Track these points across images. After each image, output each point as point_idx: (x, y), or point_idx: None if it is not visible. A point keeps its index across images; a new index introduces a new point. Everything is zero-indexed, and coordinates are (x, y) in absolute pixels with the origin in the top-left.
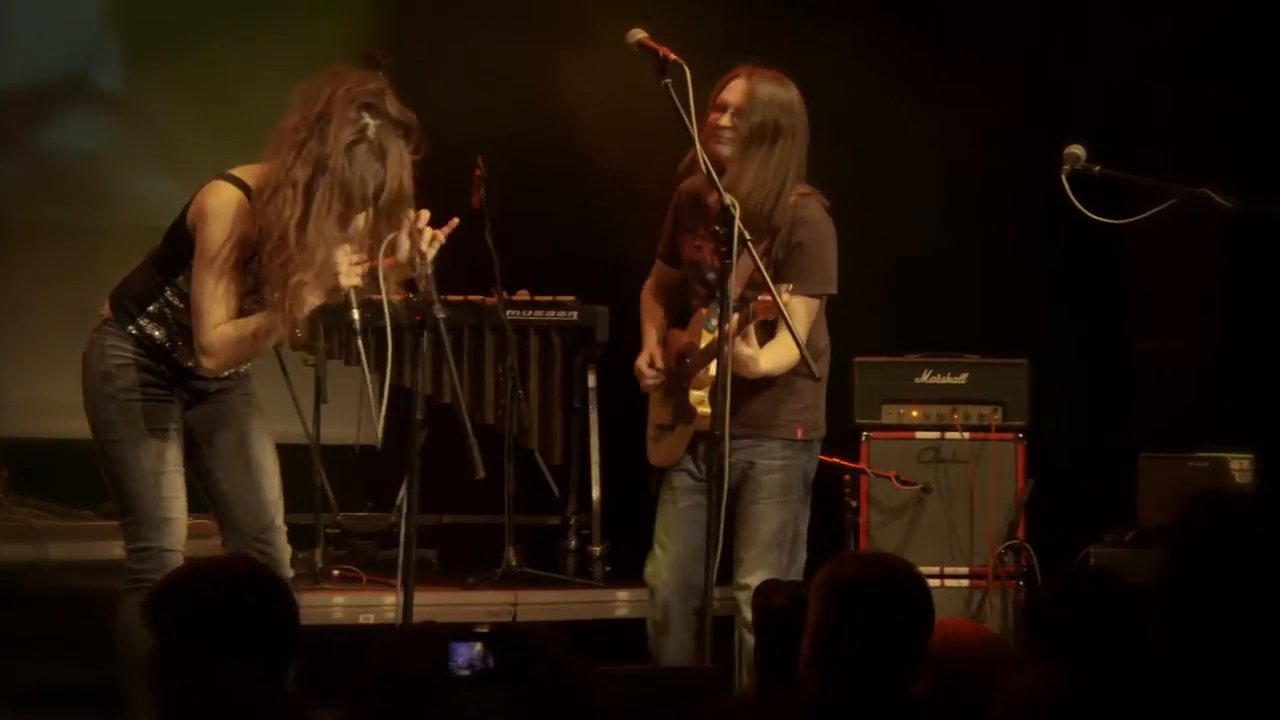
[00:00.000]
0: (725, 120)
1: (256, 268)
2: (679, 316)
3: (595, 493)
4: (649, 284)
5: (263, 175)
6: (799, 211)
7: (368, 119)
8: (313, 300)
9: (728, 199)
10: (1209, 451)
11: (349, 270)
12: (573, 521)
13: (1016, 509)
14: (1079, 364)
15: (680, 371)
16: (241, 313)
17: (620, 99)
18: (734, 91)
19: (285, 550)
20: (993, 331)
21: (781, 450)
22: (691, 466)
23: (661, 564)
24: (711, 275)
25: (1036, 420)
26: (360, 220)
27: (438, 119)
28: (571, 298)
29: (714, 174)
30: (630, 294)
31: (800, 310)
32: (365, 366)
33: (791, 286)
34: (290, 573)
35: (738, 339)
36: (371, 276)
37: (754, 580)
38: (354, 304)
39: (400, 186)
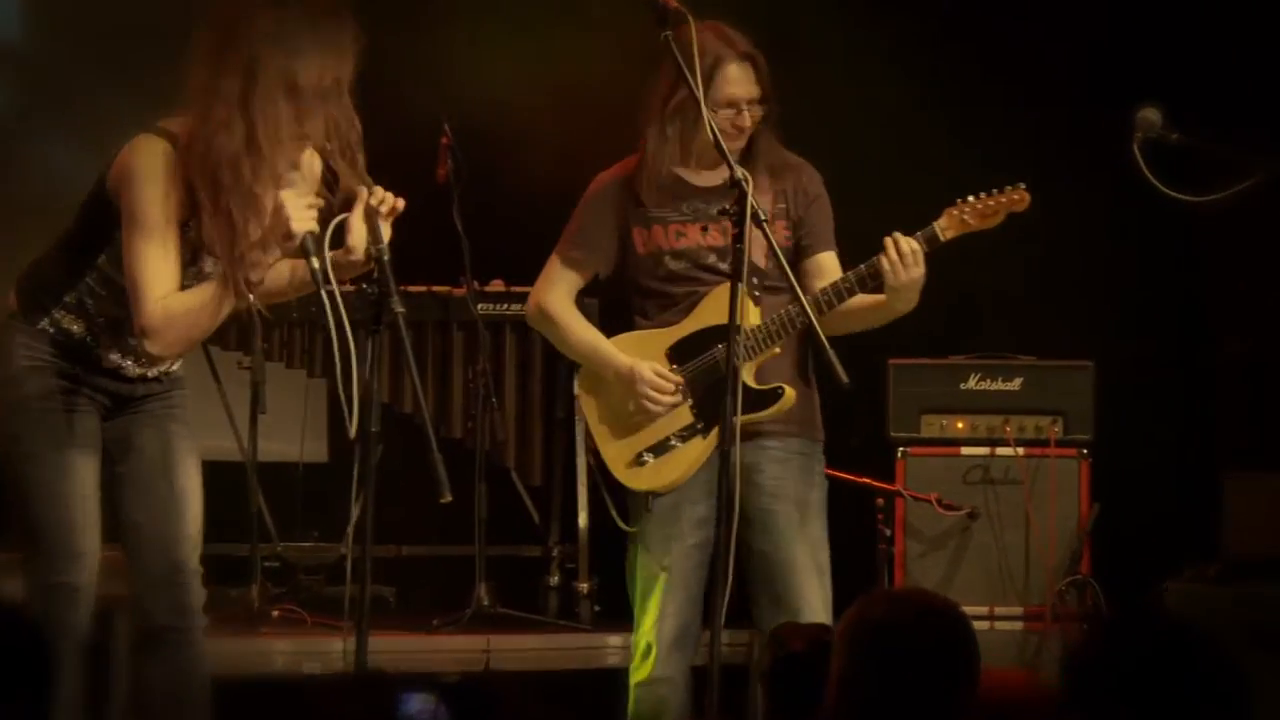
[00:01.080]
0: (748, 120)
1: (194, 235)
2: (609, 327)
3: (582, 519)
4: (560, 293)
5: (189, 120)
6: (795, 160)
7: (284, 7)
8: (267, 260)
9: (739, 172)
10: None
11: (301, 213)
12: (555, 553)
13: (1080, 538)
14: (1153, 367)
15: (703, 368)
16: (182, 289)
17: (620, 75)
18: (744, 85)
19: (198, 596)
20: (1052, 330)
21: (821, 457)
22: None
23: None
24: (713, 258)
25: (1103, 433)
26: (310, 160)
27: (400, 76)
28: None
29: (723, 146)
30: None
31: (837, 270)
32: (335, 345)
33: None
34: (202, 621)
35: (913, 257)
36: (324, 222)
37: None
38: (311, 251)
39: (347, 75)
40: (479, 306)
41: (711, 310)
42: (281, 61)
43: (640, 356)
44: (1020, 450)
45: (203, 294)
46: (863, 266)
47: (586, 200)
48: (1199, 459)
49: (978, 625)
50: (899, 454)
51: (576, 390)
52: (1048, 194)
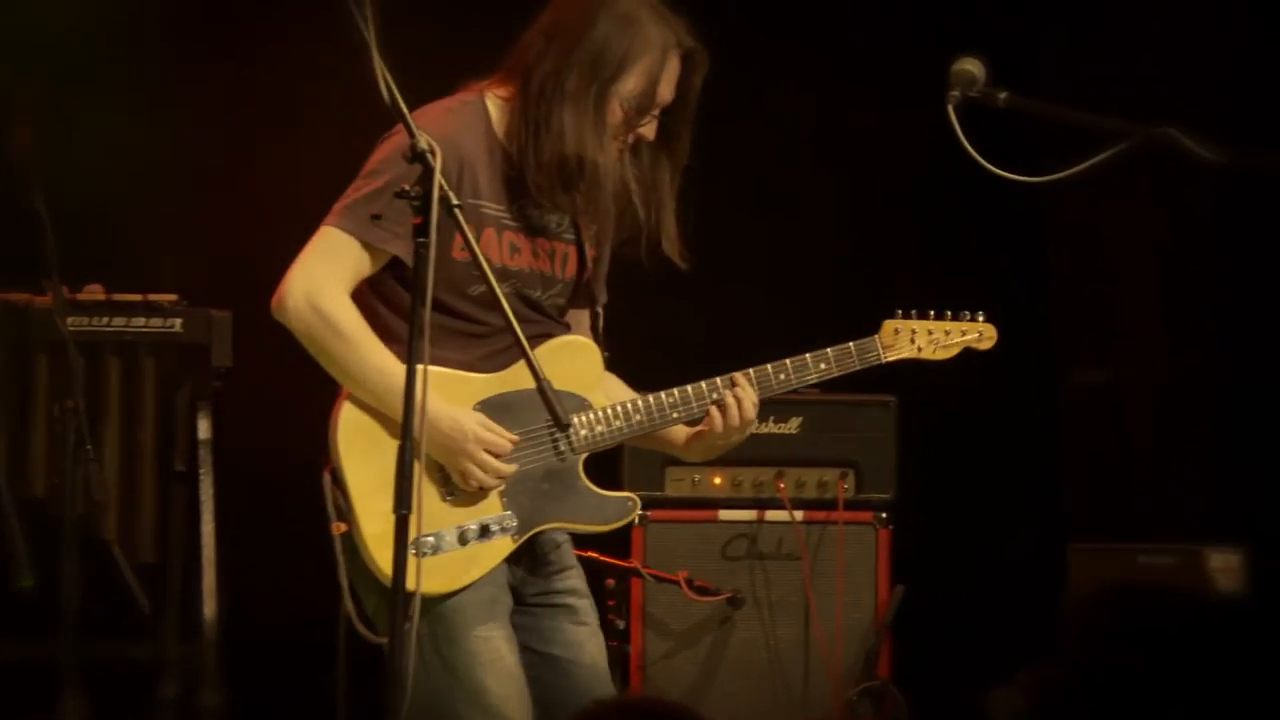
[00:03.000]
0: (651, 131)
1: None
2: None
3: (208, 609)
4: (345, 284)
5: None
6: None
7: None
8: None
9: (424, 140)
10: (1175, 542)
11: None
12: (173, 656)
13: (878, 632)
14: (976, 404)
15: (534, 447)
16: None
17: None
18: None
19: None
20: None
21: None
22: (536, 584)
23: None
24: (538, 290)
25: (908, 491)
26: None
27: None
28: (173, 297)
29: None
30: (262, 293)
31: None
32: None
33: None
34: None
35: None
36: None
37: None
38: None
39: None
40: (69, 321)
41: (550, 369)
42: None
43: (464, 388)
44: (798, 515)
45: None
46: (706, 389)
47: (394, 151)
48: (1037, 525)
49: None
50: (635, 519)
51: (337, 437)
52: (845, 175)
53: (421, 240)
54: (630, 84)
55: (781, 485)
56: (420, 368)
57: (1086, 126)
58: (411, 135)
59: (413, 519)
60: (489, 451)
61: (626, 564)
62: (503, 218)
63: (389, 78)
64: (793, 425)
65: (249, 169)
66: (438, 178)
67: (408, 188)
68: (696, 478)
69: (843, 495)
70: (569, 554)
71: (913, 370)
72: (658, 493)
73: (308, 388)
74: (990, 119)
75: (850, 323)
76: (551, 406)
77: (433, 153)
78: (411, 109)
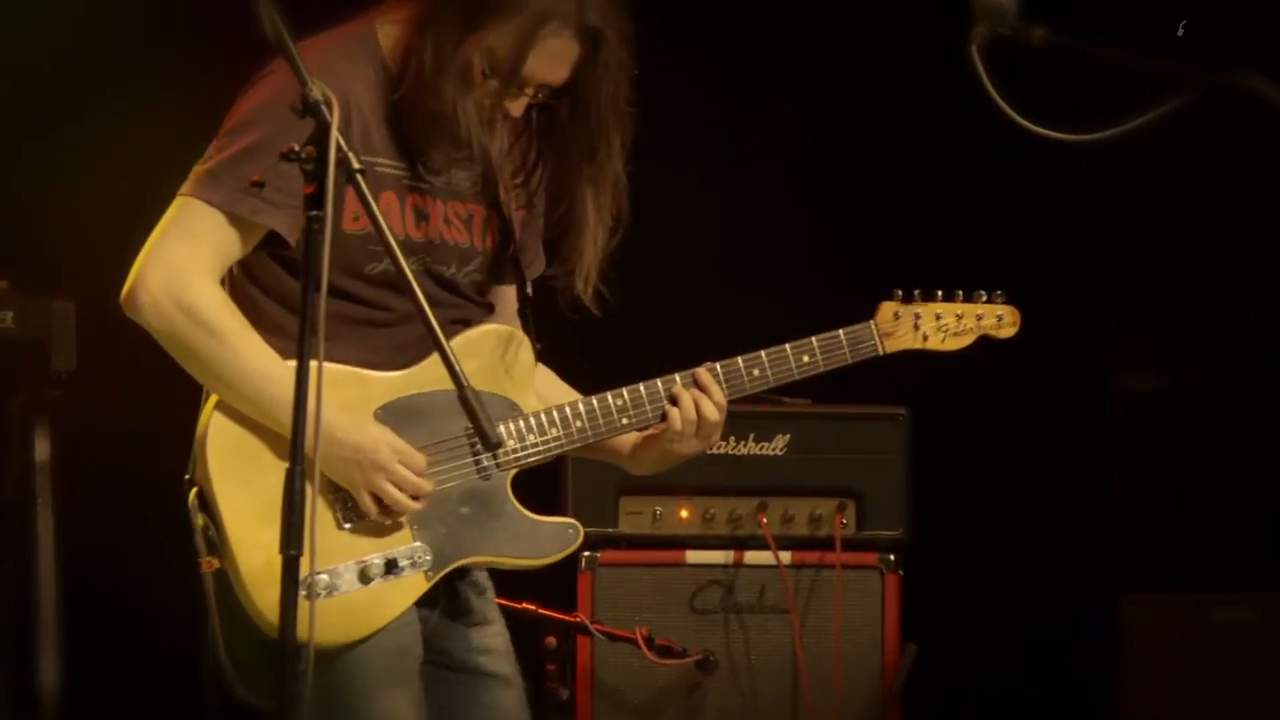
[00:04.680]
0: (517, 109)
1: None
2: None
3: (48, 673)
4: (215, 273)
5: None
6: None
7: None
8: None
9: (318, 92)
10: (1250, 589)
11: None
12: None
13: (884, 700)
14: (1006, 418)
15: (452, 464)
16: None
17: None
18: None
19: None
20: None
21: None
22: (453, 638)
23: None
24: (453, 266)
25: (922, 528)
26: None
27: None
28: (1, 283)
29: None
30: (110, 284)
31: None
32: None
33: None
34: None
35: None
36: None
37: None
38: None
39: None
40: None
41: (469, 363)
42: None
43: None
44: (785, 556)
45: None
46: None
47: (274, 98)
48: (1078, 567)
49: None
50: (582, 562)
51: (207, 455)
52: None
53: (314, 214)
54: (492, 39)
55: (764, 519)
56: (314, 367)
57: (1142, 71)
58: (302, 81)
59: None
60: (405, 477)
61: (571, 618)
62: (404, 178)
63: (272, 7)
64: (778, 445)
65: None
66: (334, 135)
67: (296, 148)
68: (659, 510)
69: (840, 532)
70: (492, 604)
71: (923, 370)
72: (609, 528)
73: (171, 395)
74: (1024, 64)
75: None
76: (477, 419)
77: (329, 105)
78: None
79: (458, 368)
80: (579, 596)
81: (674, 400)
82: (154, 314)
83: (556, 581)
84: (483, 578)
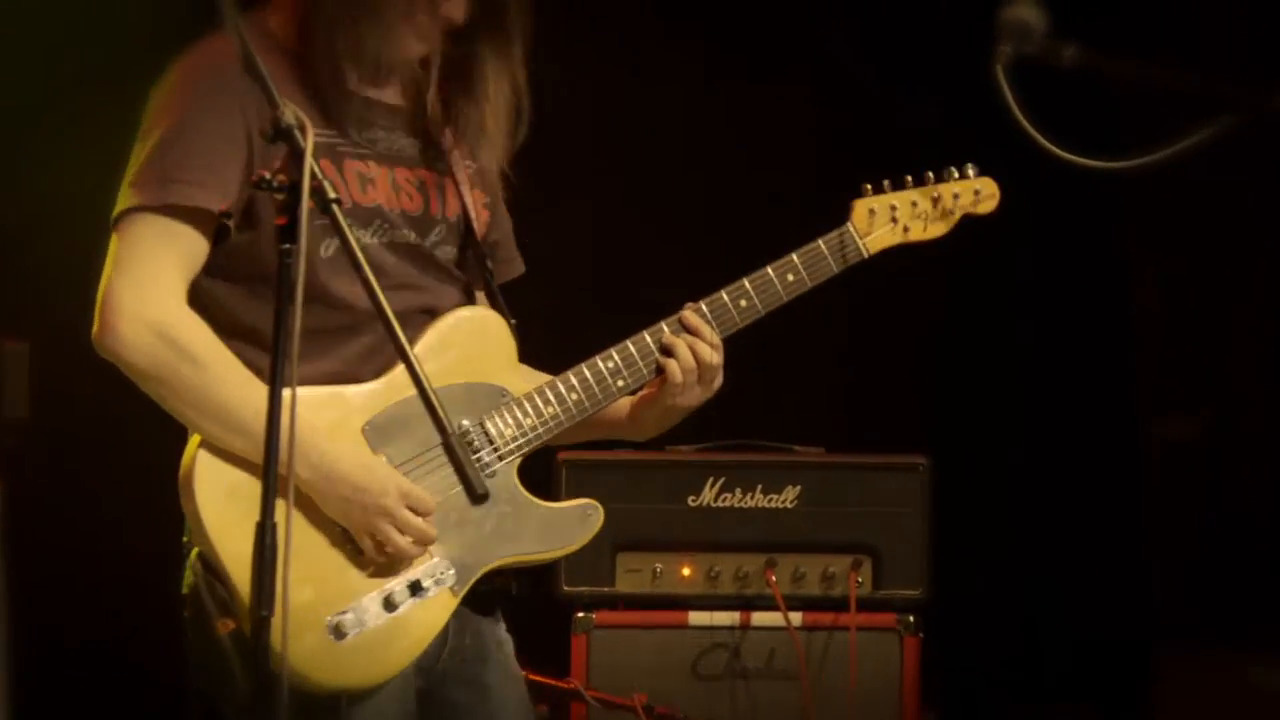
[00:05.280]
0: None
1: None
2: None
3: None
4: (181, 289)
5: None
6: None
7: None
8: None
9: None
10: None
11: None
12: None
13: None
14: (1035, 464)
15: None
16: None
17: None
18: None
19: None
20: (858, 400)
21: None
22: (452, 668)
23: None
24: (412, 235)
25: (944, 586)
26: None
27: None
28: None
29: None
30: (72, 318)
31: None
32: None
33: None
34: None
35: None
36: None
37: None
38: None
39: None
40: None
41: (447, 356)
42: None
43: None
44: (796, 617)
45: None
46: (650, 340)
47: (180, 82)
48: (1113, 628)
49: None
50: (576, 622)
51: (198, 504)
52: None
53: (287, 248)
54: None
55: (773, 577)
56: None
57: (1182, 92)
58: (274, 104)
59: (318, 596)
60: (412, 519)
61: (564, 684)
62: (340, 144)
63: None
64: (788, 497)
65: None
66: (309, 161)
67: (267, 175)
68: (659, 567)
69: (855, 591)
70: (500, 631)
71: (950, 419)
72: (606, 587)
73: (139, 441)
74: (1051, 85)
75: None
76: (463, 470)
77: (303, 129)
78: None
79: (416, 365)
80: (573, 661)
81: (667, 351)
82: (135, 350)
83: (548, 644)
84: (498, 632)
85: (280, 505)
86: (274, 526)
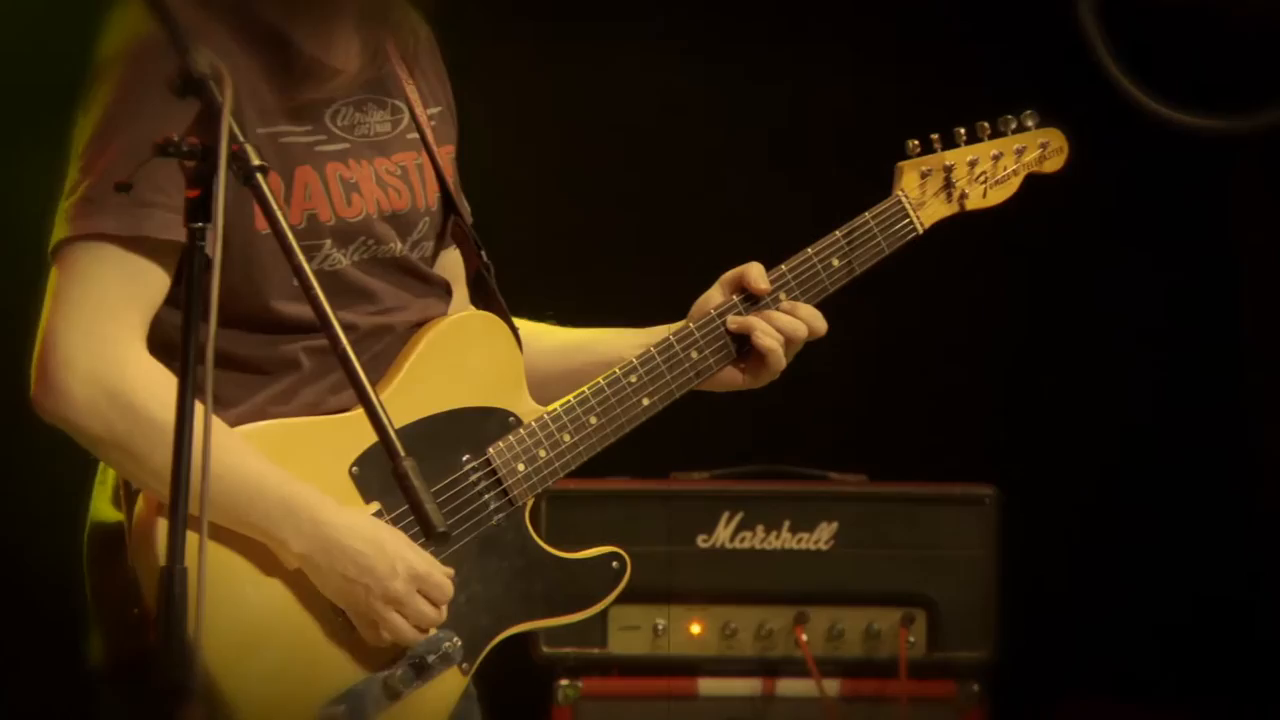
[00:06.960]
0: None
1: None
2: None
3: None
4: (140, 333)
5: None
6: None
7: None
8: None
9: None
10: None
11: None
12: None
13: None
14: (1118, 499)
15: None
16: None
17: None
18: None
19: None
20: (908, 424)
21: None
22: None
23: None
24: (409, 239)
25: (1017, 645)
26: None
27: None
28: None
29: None
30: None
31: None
32: None
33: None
34: None
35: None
36: None
37: None
38: None
39: None
40: None
41: (440, 375)
42: None
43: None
44: (833, 685)
45: None
46: (718, 321)
47: (134, 79)
48: (1217, 698)
49: None
50: (558, 692)
51: (158, 552)
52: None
53: (200, 226)
54: None
55: (803, 636)
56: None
57: None
58: (182, 50)
59: (305, 684)
60: (426, 596)
61: None
62: (319, 143)
63: None
64: (823, 536)
65: None
66: (227, 118)
67: (175, 138)
68: (661, 624)
69: (907, 653)
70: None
71: (1022, 440)
72: (596, 648)
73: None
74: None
75: None
76: (417, 503)
77: (219, 80)
78: None
79: (374, 399)
80: None
81: (748, 355)
82: (90, 413)
83: (533, 712)
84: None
85: (191, 544)
86: (183, 571)
